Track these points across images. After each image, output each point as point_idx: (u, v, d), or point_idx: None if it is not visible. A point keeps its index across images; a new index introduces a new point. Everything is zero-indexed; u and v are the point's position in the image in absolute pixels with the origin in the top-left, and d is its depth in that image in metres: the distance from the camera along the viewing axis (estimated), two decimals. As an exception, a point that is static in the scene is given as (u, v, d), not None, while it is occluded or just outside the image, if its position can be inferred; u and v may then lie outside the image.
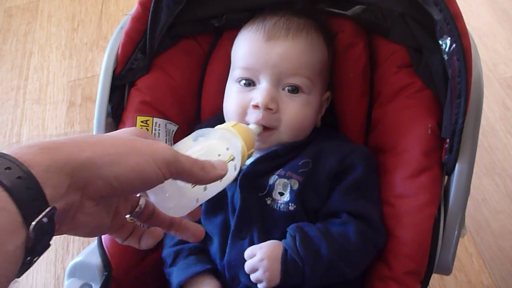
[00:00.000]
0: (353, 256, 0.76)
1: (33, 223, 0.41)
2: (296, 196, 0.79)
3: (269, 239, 0.78)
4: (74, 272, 0.83)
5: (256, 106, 0.82)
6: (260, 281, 0.74)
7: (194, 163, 0.53)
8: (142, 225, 0.61)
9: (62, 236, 1.44)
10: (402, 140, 0.84)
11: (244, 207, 0.80)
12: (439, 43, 0.76)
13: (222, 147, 0.62)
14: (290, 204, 0.80)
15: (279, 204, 0.80)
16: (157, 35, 0.89)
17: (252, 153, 0.69)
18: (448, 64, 0.75)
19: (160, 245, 0.86)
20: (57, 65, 1.90)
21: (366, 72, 0.94)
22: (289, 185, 0.80)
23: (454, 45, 0.72)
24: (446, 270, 0.78)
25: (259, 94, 0.82)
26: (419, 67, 0.86)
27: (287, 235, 0.76)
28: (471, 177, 0.76)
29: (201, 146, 0.61)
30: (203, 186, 0.57)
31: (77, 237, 1.42)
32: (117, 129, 0.89)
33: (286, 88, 0.84)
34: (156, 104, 0.91)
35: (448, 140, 0.77)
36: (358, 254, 0.77)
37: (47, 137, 1.68)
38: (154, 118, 0.90)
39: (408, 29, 0.86)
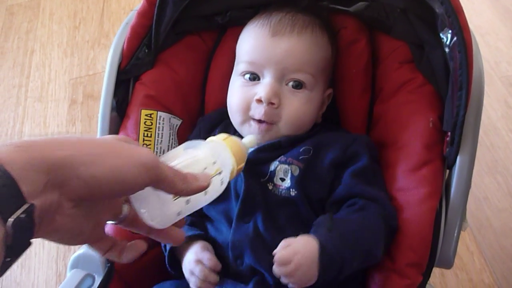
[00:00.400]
0: (379, 238, 0.76)
1: (11, 219, 0.41)
2: (297, 182, 0.80)
3: (274, 224, 0.79)
4: (77, 263, 0.84)
5: (259, 101, 0.83)
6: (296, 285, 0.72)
7: (175, 173, 0.52)
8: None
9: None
10: (403, 134, 0.85)
11: (247, 192, 0.80)
12: (440, 37, 0.76)
13: (209, 160, 0.61)
14: (291, 190, 0.80)
15: (280, 190, 0.81)
16: (162, 31, 0.90)
17: (242, 167, 0.67)
18: (450, 56, 0.76)
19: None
20: (59, 63, 1.90)
21: (368, 69, 0.94)
22: (289, 171, 0.81)
23: (455, 38, 0.73)
24: (448, 264, 0.79)
25: (262, 88, 0.83)
26: (421, 62, 0.86)
27: (319, 228, 0.73)
28: (472, 170, 0.77)
29: (187, 157, 0.60)
30: (186, 199, 0.57)
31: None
32: (122, 122, 0.90)
33: (290, 83, 0.84)
34: (160, 99, 0.92)
35: (449, 133, 0.77)
36: (382, 235, 0.76)
37: (49, 135, 1.68)
38: (159, 112, 0.90)
39: (410, 26, 0.87)
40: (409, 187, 0.81)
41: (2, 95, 1.83)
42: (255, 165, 0.83)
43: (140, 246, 0.60)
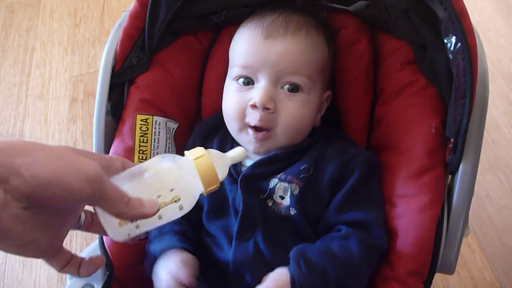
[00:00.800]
0: (359, 269, 0.75)
1: None
2: (297, 201, 0.79)
3: (274, 240, 0.78)
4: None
5: (254, 106, 0.80)
6: None
7: (119, 195, 0.52)
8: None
9: (65, 232, 1.45)
10: (405, 138, 0.83)
11: (246, 209, 0.79)
12: (444, 41, 0.75)
13: (167, 186, 0.60)
14: (290, 208, 0.79)
15: (280, 208, 0.80)
16: (156, 32, 0.88)
17: (215, 188, 0.64)
18: (453, 63, 0.74)
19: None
20: (60, 61, 1.89)
21: (370, 70, 0.93)
22: (289, 190, 0.80)
23: (459, 44, 0.71)
24: (449, 270, 0.78)
25: (257, 93, 0.81)
26: (423, 63, 0.85)
27: (291, 261, 0.74)
28: (475, 177, 0.75)
29: (141, 182, 0.59)
30: (135, 224, 0.57)
31: (80, 232, 1.42)
32: (117, 128, 0.89)
33: (285, 86, 0.82)
34: (156, 102, 0.90)
35: (452, 140, 0.76)
36: (364, 265, 0.76)
37: (50, 133, 1.68)
38: (154, 117, 0.89)
39: (412, 26, 0.85)
40: (410, 194, 0.79)
41: (2, 93, 1.82)
42: (254, 181, 0.82)
43: (99, 260, 0.60)
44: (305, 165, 0.81)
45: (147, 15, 0.86)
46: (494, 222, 1.34)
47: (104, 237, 0.85)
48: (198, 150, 0.63)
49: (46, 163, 0.47)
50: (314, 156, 0.83)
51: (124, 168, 0.61)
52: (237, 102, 0.84)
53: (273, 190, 0.80)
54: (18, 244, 0.50)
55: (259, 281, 0.75)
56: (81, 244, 1.41)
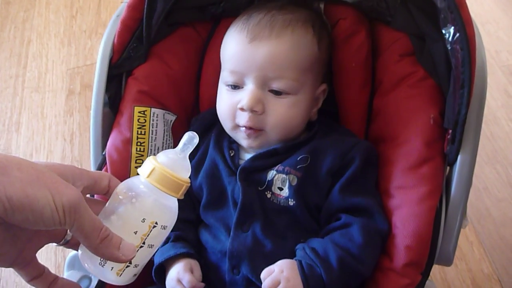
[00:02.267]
0: (363, 254, 0.75)
1: None
2: (295, 191, 0.80)
3: (273, 231, 0.79)
4: (73, 264, 0.83)
5: (242, 109, 0.82)
6: None
7: (96, 228, 0.51)
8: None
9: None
10: (403, 130, 0.83)
11: (245, 201, 0.80)
12: (442, 31, 0.74)
13: (137, 218, 0.58)
14: (289, 199, 0.80)
15: (279, 199, 0.81)
16: (154, 23, 0.88)
17: (187, 186, 0.61)
18: (452, 53, 0.74)
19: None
20: (56, 53, 1.89)
21: (368, 61, 0.92)
22: (287, 181, 0.80)
23: (457, 34, 0.70)
24: (447, 261, 0.78)
25: (244, 96, 0.82)
26: (422, 55, 0.84)
27: (296, 251, 0.77)
28: (473, 168, 0.75)
29: (111, 226, 0.56)
30: (132, 264, 0.57)
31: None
32: (115, 119, 0.89)
33: (273, 89, 0.83)
34: (153, 94, 0.90)
35: (450, 131, 0.76)
36: (368, 250, 0.76)
37: (47, 126, 1.68)
38: (152, 109, 0.89)
39: (411, 17, 0.84)
40: (408, 185, 0.79)
41: (-2, 85, 1.82)
42: (252, 173, 0.82)
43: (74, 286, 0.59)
44: (302, 156, 0.82)
45: (145, 6, 0.86)
46: (492, 215, 1.34)
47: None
48: (148, 164, 0.59)
49: (22, 186, 0.46)
50: (312, 146, 0.83)
51: (110, 186, 0.60)
52: (228, 103, 0.85)
53: (271, 182, 0.81)
54: None
55: (257, 272, 0.75)
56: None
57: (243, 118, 0.83)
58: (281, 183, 0.80)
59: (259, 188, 0.81)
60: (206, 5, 0.95)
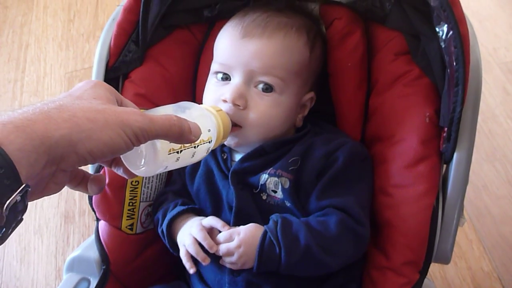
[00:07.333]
0: (333, 244, 0.75)
1: (7, 202, 0.43)
2: (289, 194, 0.80)
3: None
4: (72, 266, 0.83)
5: (225, 101, 0.81)
6: (234, 265, 0.75)
7: (170, 124, 0.55)
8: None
9: (63, 228, 1.45)
10: (399, 129, 0.84)
11: (240, 204, 0.80)
12: (436, 30, 0.75)
13: (205, 126, 0.64)
14: (285, 201, 0.80)
15: (275, 200, 0.81)
16: (150, 26, 0.88)
17: (223, 142, 0.73)
18: (445, 51, 0.74)
19: (158, 238, 0.86)
20: (54, 57, 1.89)
21: (364, 61, 0.92)
22: (280, 184, 0.80)
23: (451, 32, 0.71)
24: (445, 260, 0.78)
25: (228, 89, 0.82)
26: (417, 54, 0.85)
27: (270, 220, 0.77)
28: (469, 166, 0.76)
29: (188, 116, 0.61)
30: (177, 156, 0.60)
31: (77, 230, 1.44)
32: None
33: (259, 86, 0.82)
34: (150, 96, 0.90)
35: (446, 129, 0.76)
36: (338, 242, 0.76)
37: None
38: None
39: (405, 16, 0.85)
40: (405, 184, 0.80)
41: (-3, 90, 1.82)
42: (244, 176, 0.82)
43: (101, 178, 0.62)
44: (294, 158, 0.82)
45: (141, 9, 0.86)
46: (491, 213, 1.34)
47: (100, 232, 0.85)
48: (215, 107, 0.74)
49: (98, 137, 0.49)
50: (302, 148, 0.83)
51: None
52: (213, 95, 0.85)
53: (264, 185, 0.81)
54: (48, 194, 0.55)
55: (256, 276, 0.76)
56: (78, 240, 1.42)
57: (224, 110, 0.81)
58: (274, 186, 0.80)
59: (254, 191, 0.81)
60: (201, 8, 0.95)
